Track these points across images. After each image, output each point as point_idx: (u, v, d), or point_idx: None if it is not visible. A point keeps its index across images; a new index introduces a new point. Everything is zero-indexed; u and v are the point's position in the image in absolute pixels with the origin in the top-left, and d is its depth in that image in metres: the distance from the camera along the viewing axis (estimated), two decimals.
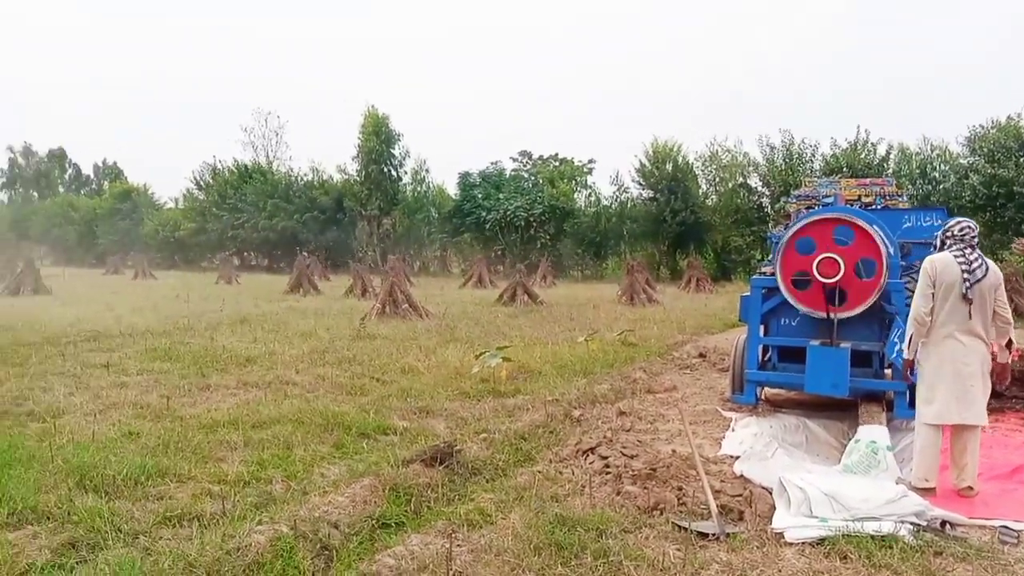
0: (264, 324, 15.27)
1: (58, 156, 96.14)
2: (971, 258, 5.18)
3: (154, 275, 38.03)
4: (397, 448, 6.07)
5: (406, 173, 49.24)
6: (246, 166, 55.46)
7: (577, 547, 4.08)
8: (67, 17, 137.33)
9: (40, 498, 4.60)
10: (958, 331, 5.15)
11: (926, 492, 5.05)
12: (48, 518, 4.37)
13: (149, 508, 4.55)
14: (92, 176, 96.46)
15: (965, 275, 5.12)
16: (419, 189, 50.70)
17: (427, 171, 50.83)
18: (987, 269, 5.17)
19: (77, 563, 3.79)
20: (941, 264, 5.21)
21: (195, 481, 5.12)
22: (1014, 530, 4.41)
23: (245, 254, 54.56)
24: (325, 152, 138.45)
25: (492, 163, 48.87)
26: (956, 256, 5.21)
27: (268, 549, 3.88)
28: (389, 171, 47.03)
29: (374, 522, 4.55)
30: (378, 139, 45.86)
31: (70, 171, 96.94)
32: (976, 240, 5.33)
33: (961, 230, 5.32)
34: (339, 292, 26.07)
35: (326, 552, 4.05)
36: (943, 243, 5.43)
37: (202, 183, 57.70)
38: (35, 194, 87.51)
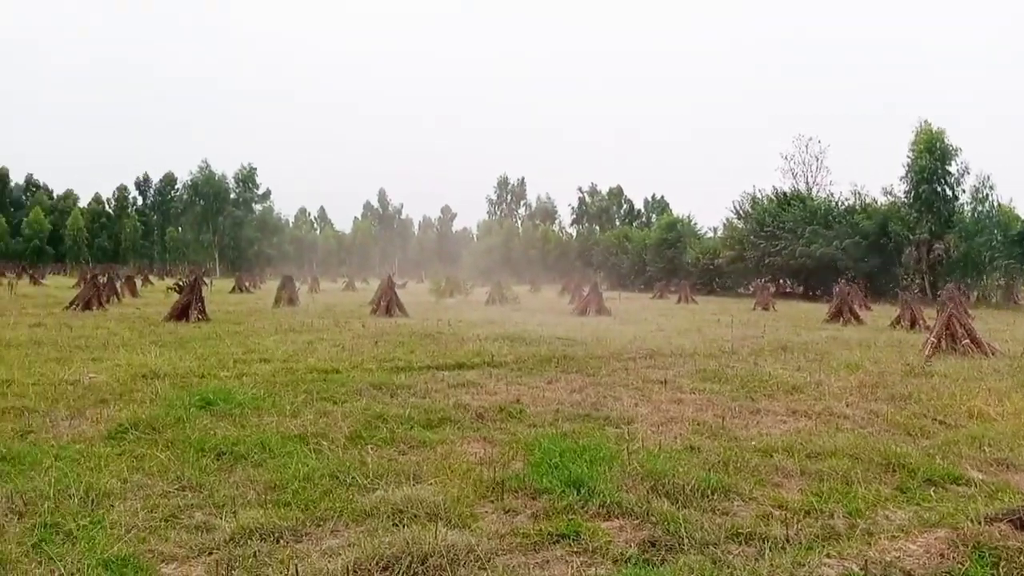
0: (806, 352, 15.02)
1: (616, 193, 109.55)
2: None
3: (695, 300, 40.44)
4: (975, 501, 5.36)
5: (963, 192, 43.88)
6: (785, 193, 55.66)
7: None
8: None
9: (623, 496, 5.20)
10: None
11: None
12: (630, 515, 4.91)
13: (716, 521, 4.80)
14: (642, 210, 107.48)
15: None
16: (979, 209, 44.60)
17: (991, 188, 44.51)
18: None
19: (660, 562, 4.17)
20: None
21: (756, 502, 5.24)
22: None
23: (780, 281, 54.61)
24: (869, 175, 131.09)
25: None
26: None
27: None
28: (943, 190, 42.43)
29: None
30: (931, 156, 41.80)
31: (625, 206, 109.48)
32: None
33: None
34: (883, 323, 24.30)
35: None
36: None
37: (741, 212, 59.63)
38: (597, 228, 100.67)
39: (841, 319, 25.11)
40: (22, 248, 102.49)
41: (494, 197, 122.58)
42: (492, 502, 5.19)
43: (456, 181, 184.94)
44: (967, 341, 15.48)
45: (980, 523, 4.74)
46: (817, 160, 60.07)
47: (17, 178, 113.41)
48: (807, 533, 4.60)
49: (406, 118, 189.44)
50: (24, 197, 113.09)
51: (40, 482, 5.25)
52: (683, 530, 4.54)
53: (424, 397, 9.12)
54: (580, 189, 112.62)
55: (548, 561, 4.20)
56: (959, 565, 4.25)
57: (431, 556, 4.09)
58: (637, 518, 4.86)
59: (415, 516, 4.75)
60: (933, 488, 5.84)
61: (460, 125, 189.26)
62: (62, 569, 3.89)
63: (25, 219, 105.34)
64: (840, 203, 51.45)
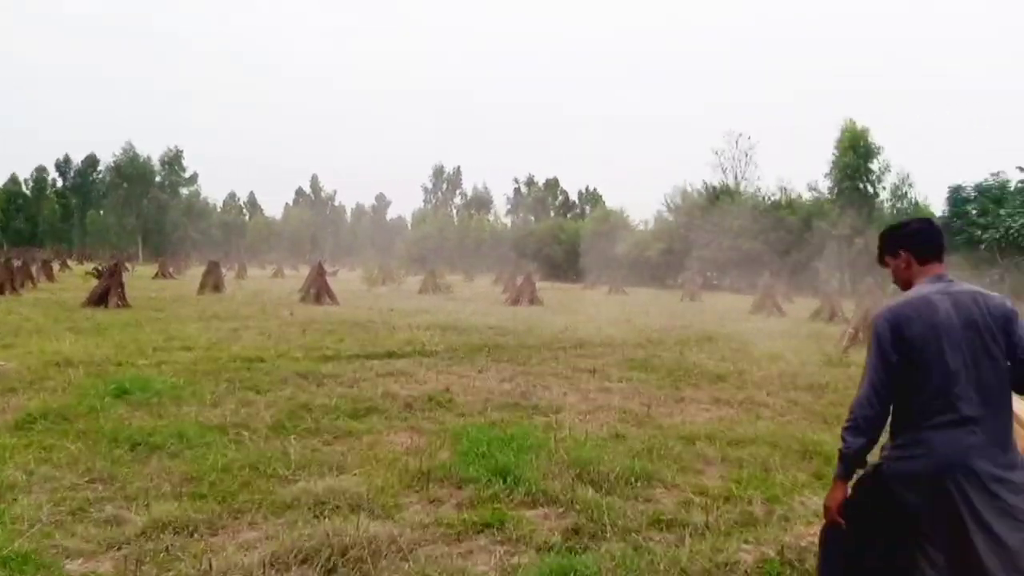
0: (730, 343, 15.38)
1: (552, 185, 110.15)
2: None
3: (625, 291, 40.99)
4: None
5: (884, 189, 45.64)
6: (714, 188, 56.84)
7: None
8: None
9: (548, 484, 5.20)
10: None
11: None
12: (556, 502, 4.92)
13: (639, 508, 4.85)
14: (577, 201, 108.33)
15: None
16: (899, 206, 46.47)
17: (910, 186, 46.46)
18: None
19: (583, 549, 4.19)
20: None
21: (678, 489, 5.32)
22: None
23: (708, 273, 55.83)
24: (796, 171, 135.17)
25: (992, 174, 42.45)
26: None
27: (755, 570, 3.85)
28: (865, 187, 44.04)
29: None
30: (855, 154, 43.31)
31: (560, 198, 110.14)
32: None
33: None
34: (804, 315, 25.08)
35: None
36: None
37: (672, 206, 60.69)
38: (532, 218, 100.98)
39: (764, 311, 25.82)
40: None
41: (429, 186, 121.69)
42: (417, 492, 5.13)
43: (392, 169, 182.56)
44: None
45: None
46: (746, 156, 61.47)
47: None
48: (726, 519, 4.69)
49: (341, 105, 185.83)
50: None
51: None
52: (607, 517, 4.57)
53: (352, 386, 8.99)
54: (516, 180, 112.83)
55: (471, 551, 4.17)
56: None
57: (351, 548, 4.01)
58: (562, 506, 4.87)
59: (337, 507, 4.66)
60: None
61: (397, 113, 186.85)
62: None
63: None
64: (767, 198, 52.90)
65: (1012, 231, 36.77)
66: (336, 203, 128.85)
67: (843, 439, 2.84)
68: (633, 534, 4.38)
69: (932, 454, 2.66)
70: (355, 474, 5.43)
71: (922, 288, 2.86)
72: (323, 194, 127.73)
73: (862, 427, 2.79)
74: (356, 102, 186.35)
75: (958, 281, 2.86)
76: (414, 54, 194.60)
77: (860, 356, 13.40)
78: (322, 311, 20.60)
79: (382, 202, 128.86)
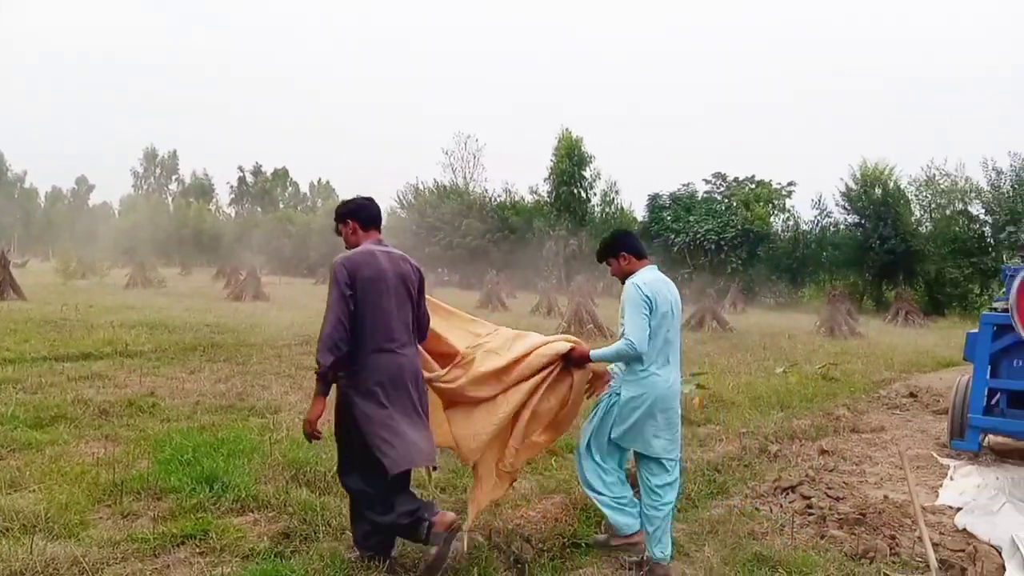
0: None
1: (281, 175, 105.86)
2: None
3: None
4: None
5: (595, 194, 49.61)
6: (445, 186, 58.15)
7: None
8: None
9: (260, 488, 4.98)
10: None
11: None
12: (267, 507, 4.73)
13: None
14: (308, 194, 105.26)
15: None
16: (607, 211, 50.83)
17: (616, 192, 50.94)
18: None
19: (292, 552, 4.06)
20: None
21: None
22: None
23: (439, 270, 57.08)
24: (519, 174, 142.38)
25: (683, 185, 47.93)
26: None
27: (465, 557, 3.98)
28: (579, 192, 47.57)
29: (565, 540, 4.53)
30: (570, 161, 46.59)
31: (291, 189, 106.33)
32: None
33: None
34: (526, 310, 26.59)
35: (519, 565, 4.09)
36: None
37: (404, 202, 61.11)
38: (259, 209, 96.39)
39: (490, 306, 27.01)
40: None
41: (140, 170, 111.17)
42: (109, 507, 4.65)
43: (96, 150, 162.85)
44: (591, 326, 17.53)
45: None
46: (475, 157, 63.55)
47: None
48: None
49: (33, 75, 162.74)
50: None
51: None
52: (319, 518, 4.47)
53: (36, 392, 7.96)
54: (241, 168, 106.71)
55: (168, 566, 3.86)
56: (569, 527, 4.75)
57: (23, 573, 3.55)
58: (274, 510, 4.69)
59: (7, 530, 4.09)
60: (555, 458, 6.45)
61: (102, 87, 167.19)
62: None
63: None
64: (493, 199, 55.20)
65: (699, 235, 41.82)
66: (27, 184, 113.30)
67: (318, 362, 3.63)
68: (346, 533, 4.33)
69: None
70: (33, 490, 4.80)
71: (367, 247, 3.87)
72: (10, 173, 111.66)
73: (333, 348, 3.59)
74: (47, 71, 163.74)
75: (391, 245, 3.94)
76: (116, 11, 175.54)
77: None
78: (4, 307, 18.01)
79: (84, 186, 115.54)
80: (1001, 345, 6.88)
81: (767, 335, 20.01)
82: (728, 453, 6.81)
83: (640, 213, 48.78)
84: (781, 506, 5.38)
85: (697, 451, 6.85)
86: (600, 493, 4.34)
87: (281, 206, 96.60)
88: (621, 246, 4.32)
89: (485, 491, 4.17)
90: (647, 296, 4.04)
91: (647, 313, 4.02)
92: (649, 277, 4.18)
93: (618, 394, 4.19)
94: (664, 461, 4.14)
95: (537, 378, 4.11)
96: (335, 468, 5.33)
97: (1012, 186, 33.12)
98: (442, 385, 4.05)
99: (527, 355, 4.10)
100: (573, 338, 4.44)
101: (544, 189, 49.78)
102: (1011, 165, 33.29)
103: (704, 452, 6.83)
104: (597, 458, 4.35)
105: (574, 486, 5.34)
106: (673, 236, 42.88)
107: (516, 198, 53.70)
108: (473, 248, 50.40)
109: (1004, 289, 7.31)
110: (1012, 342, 6.74)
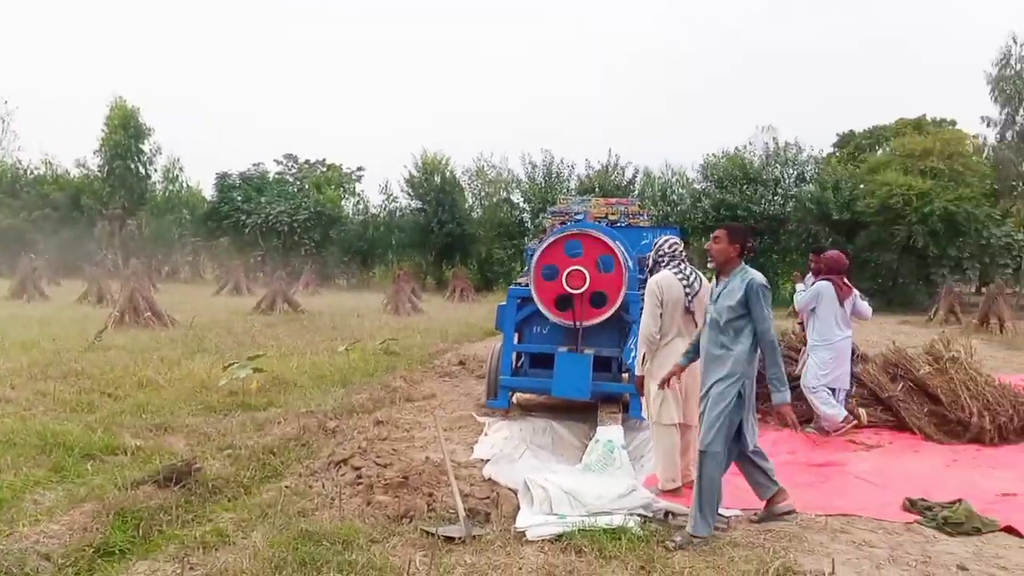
0: None
1: None
2: (687, 272, 5.64)
3: None
4: (127, 469, 5.56)
5: (156, 171, 45.69)
6: None
7: (321, 561, 3.94)
8: None
9: None
10: (680, 338, 5.58)
11: (675, 493, 5.37)
12: None
13: None
14: None
15: (686, 289, 5.58)
16: (171, 188, 47.28)
17: (181, 170, 47.54)
18: (700, 280, 5.68)
19: None
20: (666, 283, 5.56)
21: None
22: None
23: None
24: (61, 145, 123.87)
25: (254, 165, 46.56)
26: (675, 273, 5.62)
27: None
28: (137, 168, 43.32)
29: (94, 551, 4.10)
30: (125, 133, 42.13)
31: None
32: (684, 254, 5.80)
33: (671, 247, 5.73)
34: (71, 298, 23.47)
35: None
36: (656, 262, 5.77)
37: None
38: None
39: (25, 296, 23.34)
40: None
41: None
42: None
43: None
44: (149, 313, 16.12)
45: (127, 489, 4.91)
46: (3, 122, 53.86)
47: None
48: None
49: None
50: None
51: None
52: None
53: None
54: None
55: None
56: (101, 535, 4.30)
57: None
58: None
59: None
60: (91, 462, 5.81)
61: None
62: None
63: None
64: (30, 172, 47.55)
65: (271, 217, 41.06)
66: None
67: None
68: None
69: None
70: None
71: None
72: None
73: None
74: None
75: None
76: None
77: (124, 339, 13.13)
78: None
79: None
80: (524, 314, 7.94)
81: (338, 315, 20.47)
82: (286, 434, 6.80)
83: (209, 192, 46.31)
84: (333, 480, 5.53)
85: (253, 436, 6.73)
86: None
87: None
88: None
89: None
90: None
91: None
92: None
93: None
94: None
95: None
96: None
97: (544, 178, 38.50)
98: None
99: None
100: None
101: (95, 163, 44.34)
102: (543, 160, 38.71)
103: (261, 436, 6.73)
104: None
105: (108, 490, 4.87)
106: (244, 217, 41.47)
107: (59, 171, 47.00)
108: (5, 228, 42.89)
109: (526, 267, 8.43)
110: (533, 311, 7.82)
